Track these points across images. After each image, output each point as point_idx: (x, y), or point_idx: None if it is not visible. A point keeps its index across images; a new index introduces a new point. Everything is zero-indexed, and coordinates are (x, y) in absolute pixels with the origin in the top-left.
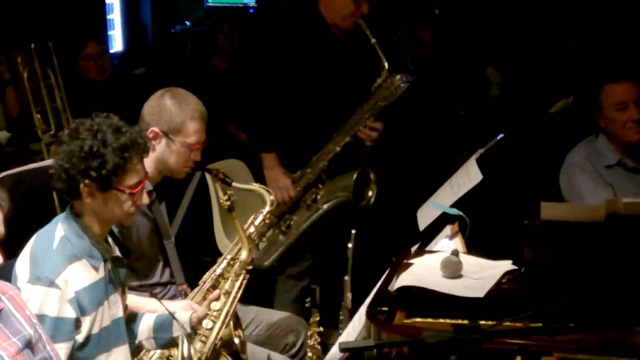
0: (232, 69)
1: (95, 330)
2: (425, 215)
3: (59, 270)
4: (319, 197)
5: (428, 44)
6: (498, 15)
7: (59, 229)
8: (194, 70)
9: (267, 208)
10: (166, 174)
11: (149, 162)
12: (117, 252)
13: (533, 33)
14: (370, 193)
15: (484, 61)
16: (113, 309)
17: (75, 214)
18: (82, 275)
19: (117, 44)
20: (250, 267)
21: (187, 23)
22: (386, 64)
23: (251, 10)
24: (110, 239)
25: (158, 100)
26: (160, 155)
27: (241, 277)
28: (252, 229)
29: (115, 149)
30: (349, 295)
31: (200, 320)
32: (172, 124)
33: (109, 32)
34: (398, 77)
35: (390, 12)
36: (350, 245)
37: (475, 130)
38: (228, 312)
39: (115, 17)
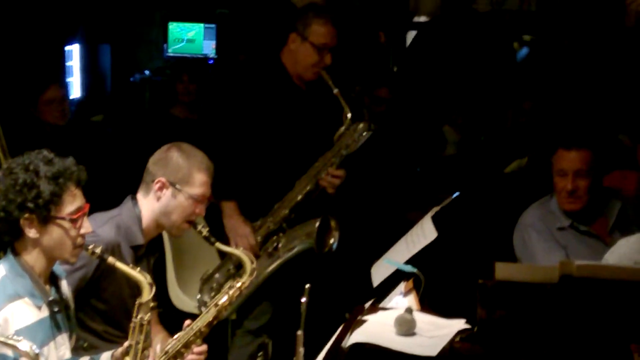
0: (190, 118)
1: None
2: (380, 271)
3: None
4: (280, 245)
5: (386, 100)
6: (457, 75)
7: (0, 269)
8: (152, 119)
9: (246, 277)
10: (165, 227)
11: (150, 215)
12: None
13: (490, 93)
14: (332, 240)
15: (441, 119)
16: (61, 350)
17: (15, 253)
18: (24, 314)
19: (75, 90)
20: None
21: (146, 72)
22: (349, 114)
23: (211, 62)
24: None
25: (165, 152)
26: (164, 206)
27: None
28: (224, 299)
29: (49, 178)
30: (301, 350)
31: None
32: (179, 174)
33: (68, 79)
34: (361, 125)
35: (348, 68)
36: (303, 299)
37: (430, 187)
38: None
39: (74, 64)
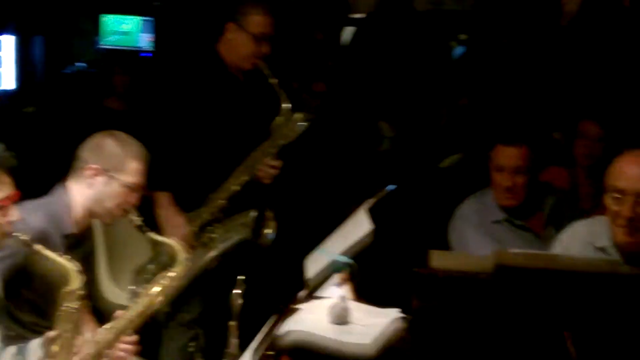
0: (124, 110)
1: None
2: (314, 263)
3: None
4: (214, 236)
5: (322, 94)
6: (392, 70)
7: None
8: (85, 111)
9: (179, 268)
10: (97, 216)
11: (82, 202)
12: None
13: (425, 89)
14: (268, 231)
15: (376, 114)
16: None
17: None
18: None
19: (7, 82)
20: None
21: (80, 64)
22: (286, 104)
23: (145, 54)
24: None
25: (98, 140)
26: (98, 194)
27: None
28: (156, 289)
29: None
30: (234, 340)
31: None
32: (113, 162)
33: None
34: (298, 116)
35: (285, 63)
36: (235, 290)
37: (365, 182)
38: None
39: (5, 55)
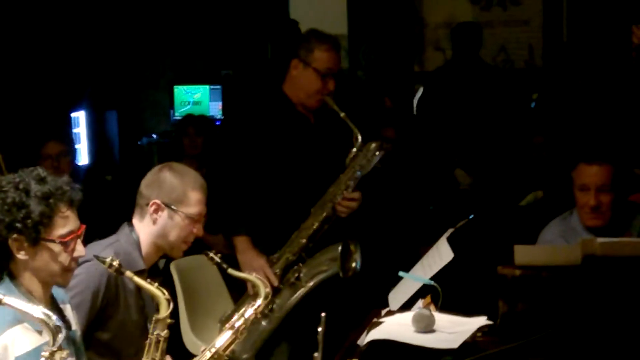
0: (198, 172)
1: None
2: (398, 295)
3: None
4: (301, 274)
5: (392, 140)
6: (463, 117)
7: (9, 298)
8: None
9: (260, 301)
10: (165, 250)
11: (148, 238)
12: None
13: (499, 133)
14: (354, 264)
15: (452, 163)
16: None
17: (11, 276)
18: (24, 339)
19: (83, 157)
20: None
21: (154, 136)
22: (359, 135)
23: (218, 123)
24: None
25: (157, 174)
26: (162, 228)
27: None
28: (240, 322)
29: (40, 198)
30: None
31: None
32: (173, 195)
33: (76, 146)
34: (374, 144)
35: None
36: (320, 329)
37: (443, 222)
38: None
39: (81, 130)
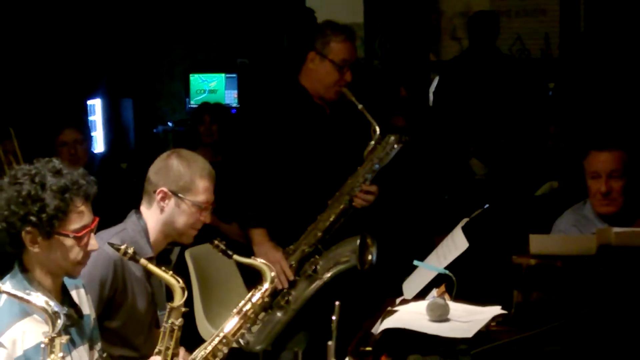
0: (214, 160)
1: None
2: (412, 284)
3: (4, 329)
4: (318, 266)
5: (402, 129)
6: (479, 106)
7: (6, 286)
8: None
9: (267, 285)
10: (174, 237)
11: (156, 226)
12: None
13: (515, 123)
14: (370, 257)
15: (468, 152)
16: None
17: (22, 269)
18: (34, 332)
19: (98, 145)
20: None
21: (170, 124)
22: (377, 127)
23: (233, 111)
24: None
25: (164, 161)
26: (169, 216)
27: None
28: (248, 306)
29: (56, 192)
30: None
31: None
32: (181, 183)
33: (92, 134)
34: (392, 137)
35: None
36: (334, 317)
37: (458, 211)
38: None
39: (96, 118)
